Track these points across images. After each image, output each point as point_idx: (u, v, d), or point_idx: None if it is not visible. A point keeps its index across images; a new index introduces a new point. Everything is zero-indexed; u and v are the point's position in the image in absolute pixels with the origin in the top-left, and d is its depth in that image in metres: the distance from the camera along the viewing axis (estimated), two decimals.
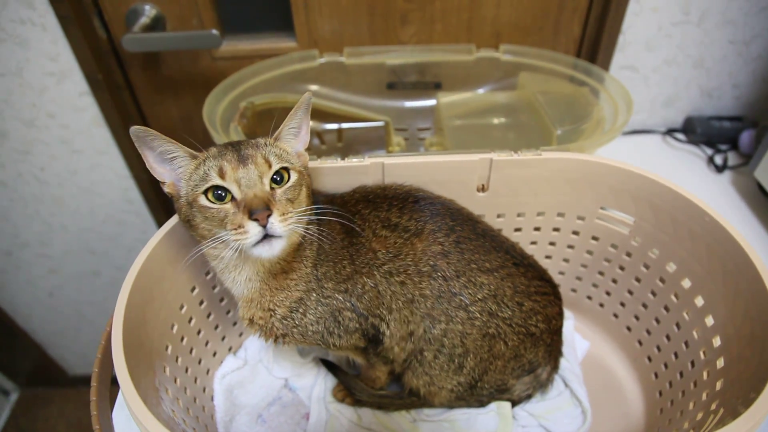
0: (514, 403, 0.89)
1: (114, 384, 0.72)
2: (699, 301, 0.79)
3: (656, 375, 0.89)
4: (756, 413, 0.55)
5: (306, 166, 0.75)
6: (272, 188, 0.67)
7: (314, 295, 0.74)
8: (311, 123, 0.94)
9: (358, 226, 0.77)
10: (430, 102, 1.31)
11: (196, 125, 1.41)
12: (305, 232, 0.70)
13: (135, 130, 0.64)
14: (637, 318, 0.94)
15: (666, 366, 0.86)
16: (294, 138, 0.74)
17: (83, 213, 1.61)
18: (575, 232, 0.95)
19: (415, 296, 0.75)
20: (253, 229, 0.63)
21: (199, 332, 0.88)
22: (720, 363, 0.72)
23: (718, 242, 0.74)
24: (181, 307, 0.83)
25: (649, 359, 0.91)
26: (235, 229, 0.63)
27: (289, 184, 0.68)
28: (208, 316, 0.91)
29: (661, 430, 0.82)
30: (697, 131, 1.42)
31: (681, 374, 0.81)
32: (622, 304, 0.96)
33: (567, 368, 0.94)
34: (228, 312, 0.95)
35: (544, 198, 0.91)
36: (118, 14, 1.23)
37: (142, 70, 1.32)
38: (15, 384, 2.36)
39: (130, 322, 0.67)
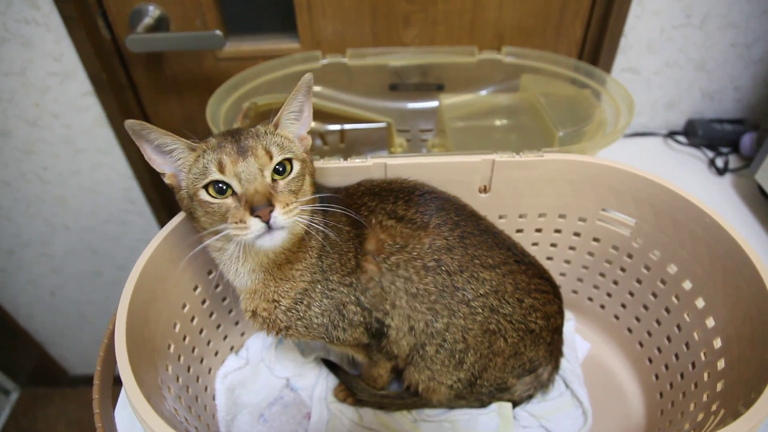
0: (515, 404, 0.90)
1: (116, 385, 0.72)
2: (700, 303, 0.79)
3: (657, 376, 0.89)
4: (757, 414, 0.55)
5: (308, 151, 0.74)
6: (274, 180, 0.66)
7: (319, 286, 0.74)
8: (313, 124, 0.94)
9: (364, 218, 0.77)
10: (433, 103, 1.32)
11: (199, 126, 1.41)
12: (310, 222, 0.69)
13: (130, 123, 0.63)
14: (637, 319, 0.94)
15: (667, 367, 0.87)
16: (295, 122, 0.73)
17: (85, 213, 1.62)
18: (576, 234, 0.95)
19: (419, 290, 0.75)
20: (255, 225, 0.63)
21: (201, 331, 0.89)
22: (721, 364, 0.72)
23: (718, 244, 0.74)
24: (184, 306, 0.83)
25: (650, 360, 0.92)
26: (236, 223, 0.63)
27: (292, 175, 0.67)
28: (211, 315, 0.91)
29: (661, 431, 0.82)
30: (698, 134, 1.42)
31: (682, 375, 0.82)
32: (623, 306, 0.96)
33: (568, 369, 0.94)
34: (230, 311, 0.95)
35: (546, 199, 0.92)
36: (122, 14, 1.23)
37: (146, 70, 1.33)
38: (15, 383, 2.36)
39: (133, 320, 0.67)
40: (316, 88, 1.25)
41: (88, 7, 1.19)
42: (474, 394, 0.85)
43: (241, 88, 1.15)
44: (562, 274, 1.02)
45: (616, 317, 0.99)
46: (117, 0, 1.21)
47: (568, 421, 0.89)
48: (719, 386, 0.70)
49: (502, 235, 0.83)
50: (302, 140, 0.74)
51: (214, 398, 0.92)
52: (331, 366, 0.96)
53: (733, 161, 1.39)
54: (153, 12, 1.22)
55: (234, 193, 0.65)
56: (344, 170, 0.86)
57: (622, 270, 0.93)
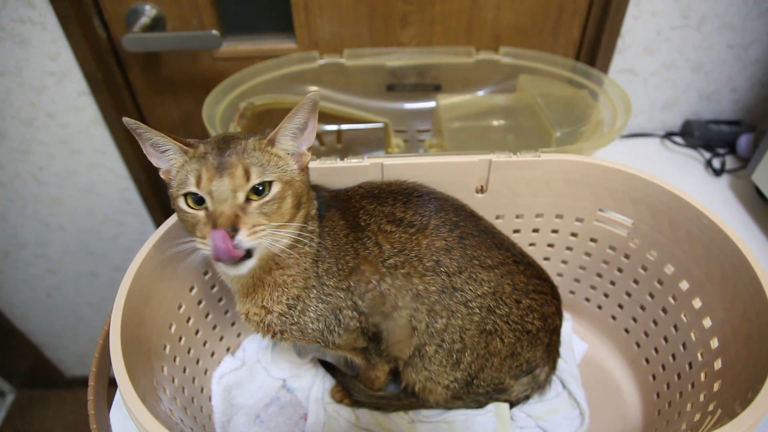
0: (512, 404, 0.89)
1: (111, 386, 0.72)
2: (697, 303, 0.79)
3: (654, 377, 0.89)
4: (753, 414, 0.55)
5: (304, 168, 0.73)
6: (249, 199, 0.64)
7: (314, 291, 0.74)
8: None
9: (362, 221, 0.77)
10: (430, 104, 1.32)
11: (195, 126, 1.41)
12: (283, 248, 0.68)
13: (126, 121, 0.64)
14: (635, 320, 0.94)
15: (664, 368, 0.87)
16: (295, 138, 0.70)
17: (81, 213, 1.61)
18: (574, 234, 0.95)
19: (419, 291, 0.75)
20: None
21: (197, 332, 0.88)
22: (717, 364, 0.72)
23: (716, 244, 0.74)
24: (179, 307, 0.83)
25: (647, 361, 0.92)
26: (201, 238, 0.63)
27: (267, 198, 0.65)
28: (206, 316, 0.90)
29: (658, 431, 0.82)
30: (695, 135, 1.43)
31: (679, 376, 0.82)
32: (620, 306, 0.96)
33: (565, 370, 0.94)
34: (226, 312, 0.95)
35: (543, 199, 0.92)
36: (118, 14, 1.23)
37: (142, 70, 1.33)
38: (11, 385, 2.35)
39: (128, 321, 0.67)
40: (314, 88, 1.25)
41: (84, 6, 1.19)
42: (471, 394, 0.85)
43: (238, 88, 1.15)
44: (559, 275, 1.02)
45: (613, 318, 0.99)
46: None
47: (565, 421, 0.89)
48: (716, 386, 0.70)
49: (501, 236, 0.83)
50: (301, 156, 0.71)
51: (210, 399, 0.91)
52: (328, 367, 0.96)
53: (730, 162, 1.40)
54: (149, 11, 1.21)
55: (207, 208, 0.64)
56: (341, 170, 0.86)
57: (619, 270, 0.93)
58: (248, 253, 0.65)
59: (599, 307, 1.01)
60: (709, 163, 1.39)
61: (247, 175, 0.64)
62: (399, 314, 0.76)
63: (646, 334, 0.91)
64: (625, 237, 0.89)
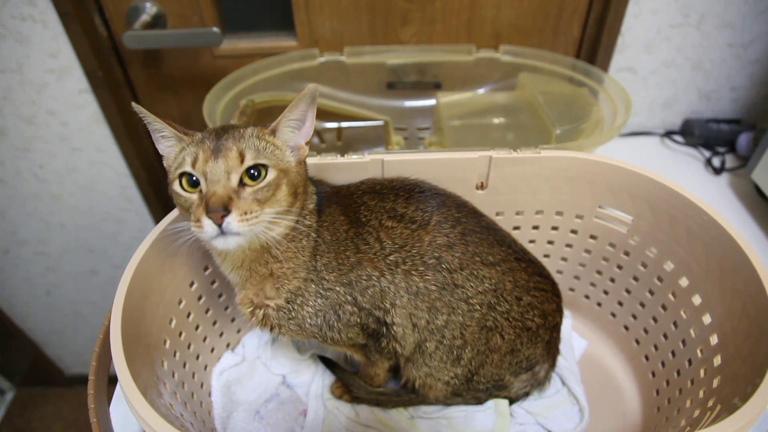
0: (511, 401, 0.89)
1: (111, 384, 0.72)
2: (696, 300, 0.79)
3: (653, 373, 0.89)
4: (752, 409, 0.55)
5: (302, 161, 0.73)
6: (244, 184, 0.65)
7: (313, 286, 0.74)
8: None
9: (363, 216, 0.77)
10: (430, 102, 1.32)
11: (195, 123, 1.40)
12: (278, 237, 0.68)
13: (134, 107, 0.67)
14: (634, 317, 0.94)
15: (663, 364, 0.87)
16: (294, 130, 0.72)
17: (82, 211, 1.61)
18: (573, 231, 0.95)
19: (420, 288, 0.75)
20: (208, 227, 0.62)
21: (197, 327, 0.88)
22: (717, 361, 0.72)
23: (715, 241, 0.75)
24: (180, 302, 0.83)
25: (647, 358, 0.92)
26: (195, 221, 0.63)
27: (262, 184, 0.65)
28: (207, 311, 0.91)
29: (658, 427, 0.82)
30: (695, 133, 1.43)
31: (678, 372, 0.82)
32: (620, 303, 0.96)
33: (564, 366, 0.94)
34: (226, 308, 0.95)
35: (543, 196, 0.92)
36: (119, 11, 1.23)
37: (143, 67, 1.33)
38: (11, 383, 2.35)
39: (129, 315, 0.67)
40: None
41: (85, 3, 1.19)
42: (471, 391, 0.85)
43: (238, 86, 1.15)
44: (559, 272, 1.02)
45: (613, 315, 0.99)
46: None
47: (564, 418, 0.89)
48: (715, 383, 0.70)
49: (503, 232, 0.83)
50: (298, 149, 0.72)
51: (210, 395, 0.91)
52: (328, 363, 0.96)
53: (730, 161, 1.40)
54: (150, 9, 1.22)
55: (201, 191, 0.65)
56: (341, 166, 0.86)
57: (619, 267, 0.93)
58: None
59: (599, 305, 1.01)
60: (708, 162, 1.39)
61: (242, 158, 0.65)
62: (399, 311, 0.76)
63: (646, 331, 0.92)
64: (625, 234, 0.90)
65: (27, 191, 1.54)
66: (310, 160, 0.80)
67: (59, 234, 1.68)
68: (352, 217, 0.77)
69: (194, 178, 0.65)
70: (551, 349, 0.88)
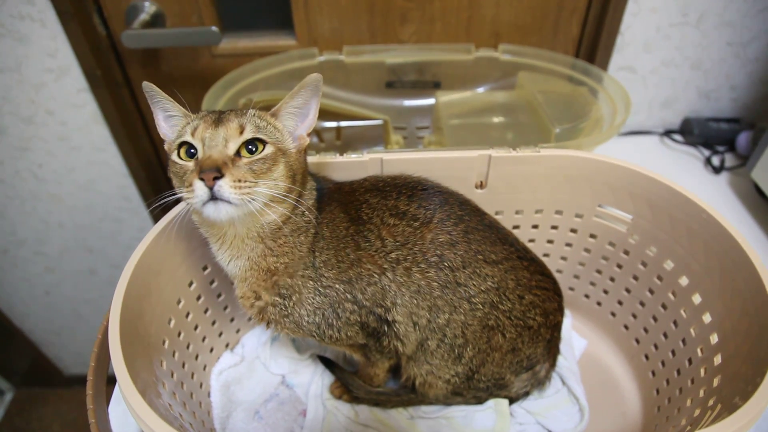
0: (511, 401, 0.89)
1: (110, 384, 0.71)
2: (696, 299, 0.79)
3: (653, 373, 0.89)
4: (753, 407, 0.55)
5: (301, 151, 0.73)
6: (241, 155, 0.65)
7: (311, 283, 0.73)
8: None
9: (365, 214, 0.76)
10: (429, 101, 1.32)
11: None
12: (271, 220, 0.69)
13: (145, 85, 0.69)
14: (634, 316, 0.94)
15: (663, 364, 0.86)
16: (296, 118, 0.72)
17: (80, 210, 1.61)
18: (573, 230, 0.95)
19: (421, 286, 0.74)
20: (199, 189, 0.62)
21: (196, 327, 0.88)
22: (717, 360, 0.72)
23: (715, 240, 0.74)
24: (179, 302, 0.83)
25: (647, 357, 0.92)
26: (187, 187, 0.63)
27: (260, 156, 0.66)
28: (206, 311, 0.90)
29: (658, 427, 0.82)
30: (694, 132, 1.43)
31: (678, 372, 0.82)
32: (620, 303, 0.96)
33: (564, 366, 0.94)
34: (225, 308, 0.95)
35: (543, 195, 0.92)
36: (118, 10, 1.23)
37: (142, 66, 1.32)
38: (10, 383, 2.35)
39: (127, 315, 0.67)
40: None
41: (84, 2, 1.19)
42: (471, 389, 0.85)
43: (237, 85, 1.15)
44: (559, 271, 1.02)
45: (613, 314, 0.99)
46: None
47: (564, 418, 0.89)
48: (716, 382, 0.70)
49: (505, 231, 0.83)
50: (299, 139, 0.73)
51: (209, 395, 0.91)
52: (327, 363, 0.95)
53: (729, 160, 1.40)
54: (149, 8, 1.21)
55: (197, 158, 0.66)
56: (341, 165, 0.86)
57: (619, 266, 0.93)
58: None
59: (599, 304, 1.01)
60: (708, 161, 1.39)
61: (241, 129, 0.66)
62: (400, 309, 0.75)
63: (646, 330, 0.91)
64: (625, 233, 0.89)
65: (26, 191, 1.54)
66: (309, 159, 0.80)
67: (58, 234, 1.68)
68: (353, 214, 0.77)
69: (192, 150, 0.66)
70: (552, 349, 0.87)
